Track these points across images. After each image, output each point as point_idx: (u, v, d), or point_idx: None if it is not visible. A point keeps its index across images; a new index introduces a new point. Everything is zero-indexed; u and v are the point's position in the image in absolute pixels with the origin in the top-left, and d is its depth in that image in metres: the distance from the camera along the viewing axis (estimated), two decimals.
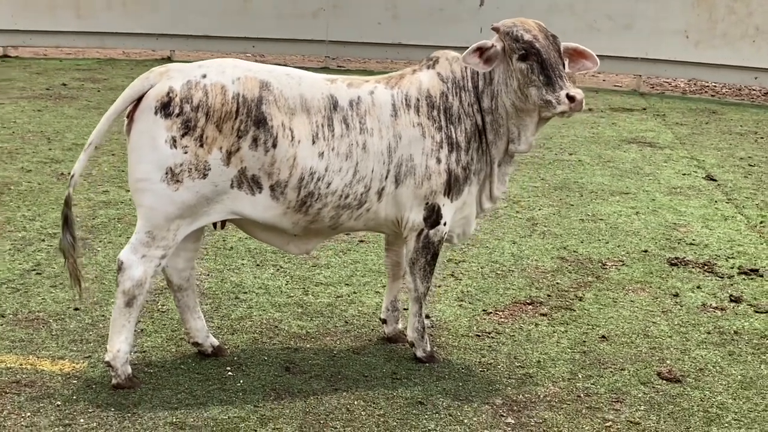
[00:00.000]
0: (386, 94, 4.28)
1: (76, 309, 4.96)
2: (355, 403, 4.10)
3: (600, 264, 6.07)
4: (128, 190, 7.05)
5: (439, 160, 4.28)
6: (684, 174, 8.66)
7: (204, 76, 3.98)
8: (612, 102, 13.00)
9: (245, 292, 5.32)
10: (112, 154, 8.35)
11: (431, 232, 4.36)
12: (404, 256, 4.55)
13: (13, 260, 5.64)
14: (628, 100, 13.19)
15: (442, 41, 14.14)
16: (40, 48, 15.94)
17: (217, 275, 5.57)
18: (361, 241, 6.29)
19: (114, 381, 4.10)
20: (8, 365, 4.29)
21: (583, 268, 5.99)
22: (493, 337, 4.87)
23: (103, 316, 4.88)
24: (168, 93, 3.93)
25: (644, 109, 12.47)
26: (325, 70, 14.72)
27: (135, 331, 4.63)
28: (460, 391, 4.24)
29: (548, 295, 5.48)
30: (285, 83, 4.08)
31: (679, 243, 6.54)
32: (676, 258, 6.19)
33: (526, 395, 4.25)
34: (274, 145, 3.98)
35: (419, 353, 4.54)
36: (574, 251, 6.31)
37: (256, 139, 3.96)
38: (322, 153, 4.08)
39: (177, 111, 3.91)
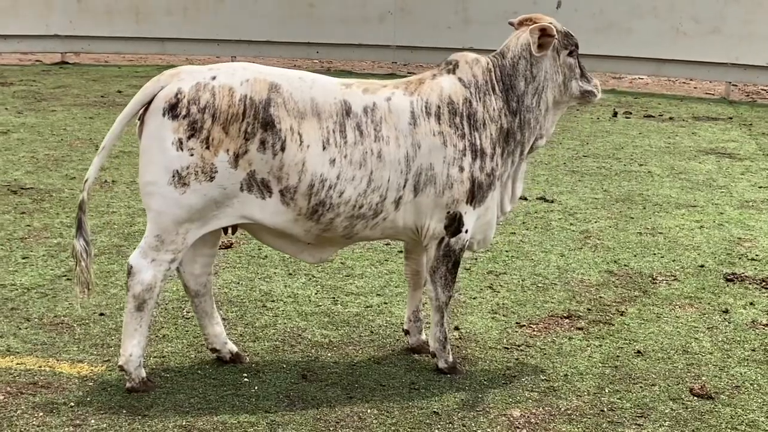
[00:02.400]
0: (405, 100, 4.48)
1: (102, 314, 5.30)
2: (368, 411, 4.32)
3: (650, 278, 6.19)
4: None
5: (462, 169, 4.49)
6: (760, 187, 8.69)
7: (213, 78, 4.24)
8: (696, 110, 13.00)
9: (273, 301, 5.60)
10: None
11: (452, 240, 4.57)
12: (424, 264, 4.78)
13: (45, 266, 6.02)
14: (714, 109, 13.18)
15: None
16: (101, 54, 16.62)
17: (247, 283, 5.86)
18: (401, 252, 6.51)
19: (128, 384, 4.40)
20: (28, 367, 4.63)
21: (630, 282, 6.12)
22: (522, 350, 5.05)
23: None
24: (176, 94, 4.19)
25: (730, 118, 12.45)
26: (392, 76, 15.04)
27: (157, 336, 4.97)
28: (478, 403, 4.44)
29: (588, 309, 5.63)
30: (296, 86, 4.31)
31: (740, 258, 6.62)
32: (733, 274, 6.27)
33: (547, 408, 4.42)
34: (282, 149, 4.21)
35: (441, 364, 4.75)
36: (625, 265, 6.44)
37: (264, 141, 4.20)
38: (334, 160, 4.29)
39: (184, 113, 4.15)
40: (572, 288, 5.99)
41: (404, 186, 4.43)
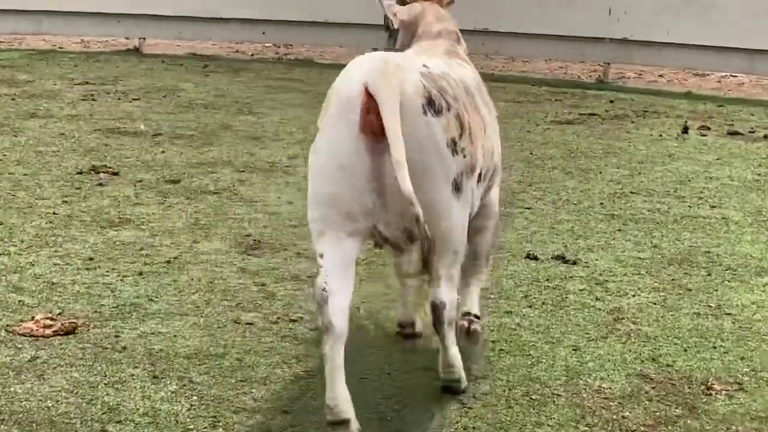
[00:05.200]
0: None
1: None
2: None
3: (703, 387, 5.82)
4: None
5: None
6: None
7: (425, 66, 4.92)
8: None
9: (119, 422, 5.20)
10: None
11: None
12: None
13: None
14: None
15: (552, 29, 14.25)
16: None
17: (85, 392, 5.46)
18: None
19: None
20: None
21: (673, 393, 5.76)
22: None
23: None
24: (424, 87, 4.76)
25: None
26: None
27: None
28: None
29: None
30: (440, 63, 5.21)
31: None
32: None
33: None
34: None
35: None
36: (668, 365, 6.09)
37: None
38: (491, 138, 5.41)
39: (445, 105, 4.81)
40: (583, 402, 5.61)
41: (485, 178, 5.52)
